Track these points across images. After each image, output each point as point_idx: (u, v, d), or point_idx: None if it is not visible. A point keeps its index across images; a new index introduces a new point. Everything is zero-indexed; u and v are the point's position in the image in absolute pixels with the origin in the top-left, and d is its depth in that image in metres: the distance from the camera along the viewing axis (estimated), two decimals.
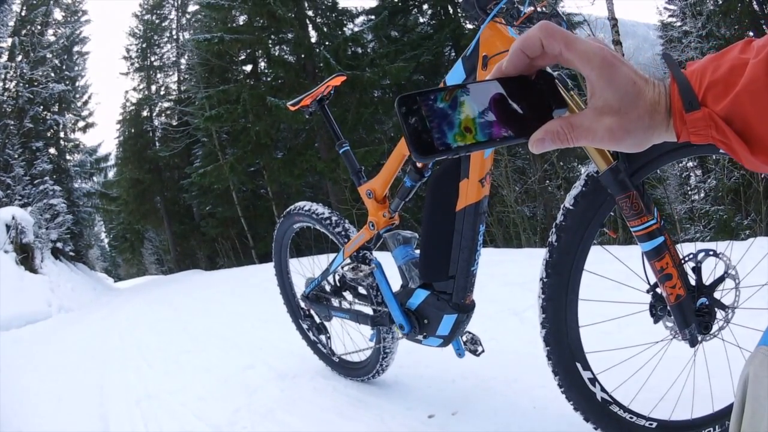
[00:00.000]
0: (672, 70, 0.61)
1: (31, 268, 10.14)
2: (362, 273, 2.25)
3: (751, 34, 15.69)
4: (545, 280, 1.72)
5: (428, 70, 16.59)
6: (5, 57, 16.76)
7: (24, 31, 17.81)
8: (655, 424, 1.74)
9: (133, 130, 25.26)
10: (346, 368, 2.95)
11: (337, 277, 2.65)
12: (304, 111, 2.61)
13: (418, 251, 2.16)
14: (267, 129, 15.80)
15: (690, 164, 13.05)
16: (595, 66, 0.59)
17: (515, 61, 0.61)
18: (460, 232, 1.86)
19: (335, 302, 2.70)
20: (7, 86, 17.00)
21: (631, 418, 1.75)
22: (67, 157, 20.51)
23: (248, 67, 18.89)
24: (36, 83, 17.50)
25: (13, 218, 10.29)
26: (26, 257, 10.11)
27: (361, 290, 2.60)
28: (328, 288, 2.72)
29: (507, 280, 4.08)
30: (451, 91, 0.58)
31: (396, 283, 2.28)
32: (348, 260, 2.40)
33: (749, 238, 1.91)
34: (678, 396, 1.79)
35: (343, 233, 2.55)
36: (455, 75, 1.78)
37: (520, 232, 10.35)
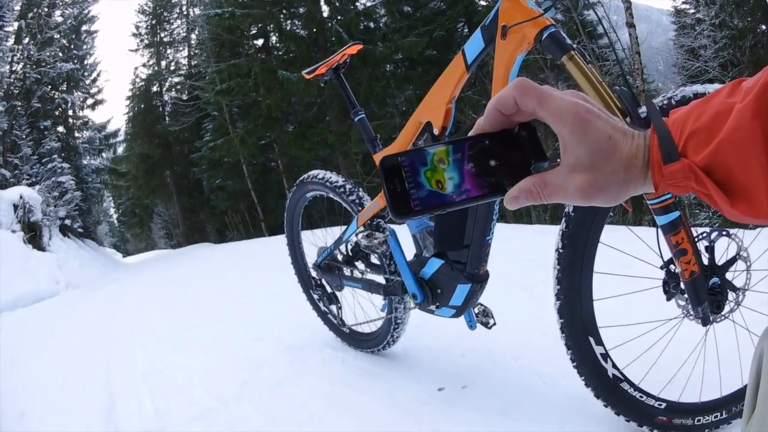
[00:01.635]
0: (653, 120, 0.60)
1: (39, 246, 10.19)
2: (377, 240, 2.24)
3: (763, 27, 15.58)
4: (561, 251, 1.70)
5: (441, 45, 16.43)
6: (12, 40, 16.66)
7: (31, 14, 17.71)
8: (664, 405, 1.74)
9: (142, 106, 25.19)
10: (356, 339, 2.96)
11: (349, 246, 2.64)
12: (319, 80, 2.59)
13: (432, 222, 2.14)
14: (278, 102, 15.77)
15: None
16: (566, 123, 0.58)
17: (491, 120, 0.61)
18: None
19: (347, 272, 2.69)
20: (14, 69, 16.93)
21: (640, 397, 1.74)
22: (76, 134, 20.51)
23: (259, 42, 18.80)
24: (44, 64, 17.44)
25: (21, 197, 10.32)
26: (34, 236, 10.14)
27: (374, 260, 2.59)
28: (340, 257, 2.71)
29: (517, 256, 4.07)
30: (432, 150, 0.59)
31: (409, 252, 2.28)
32: (362, 228, 2.39)
33: (757, 228, 1.89)
34: (687, 378, 1.79)
35: (357, 201, 2.53)
36: (474, 44, 1.77)
37: (531, 209, 10.33)
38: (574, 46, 1.50)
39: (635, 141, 0.59)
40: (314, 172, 2.78)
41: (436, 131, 1.92)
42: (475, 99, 11.66)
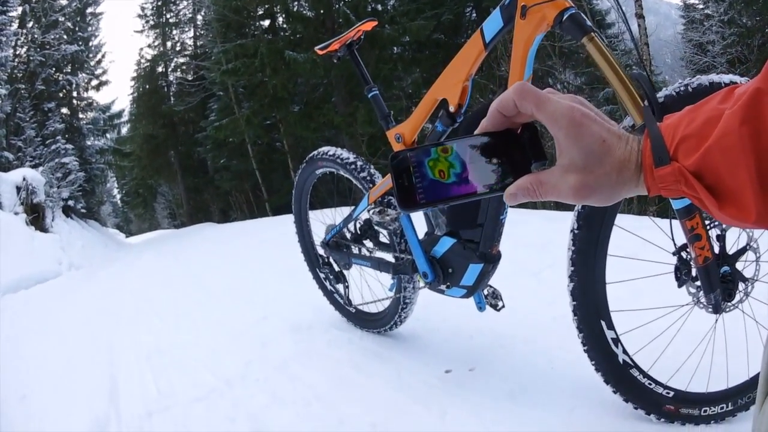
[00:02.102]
0: (648, 125, 0.62)
1: (42, 227, 10.17)
2: (389, 217, 2.22)
3: None
4: (576, 231, 1.69)
5: (448, 29, 16.38)
6: (15, 25, 16.51)
7: None
8: (672, 393, 1.74)
9: (147, 86, 25.03)
10: (362, 319, 2.94)
11: (358, 225, 2.62)
12: (332, 56, 2.55)
13: None
14: (284, 83, 15.71)
15: None
16: (562, 126, 0.60)
17: (494, 121, 0.65)
18: None
19: (355, 250, 2.68)
20: (18, 52, 16.80)
21: (649, 384, 1.75)
22: (80, 115, 20.37)
23: (266, 22, 18.69)
24: (48, 46, 17.31)
25: (24, 179, 10.28)
26: (37, 217, 10.13)
27: (383, 238, 2.58)
28: (348, 235, 2.69)
29: (524, 241, 4.05)
30: (438, 147, 0.63)
31: (420, 230, 2.26)
32: (373, 205, 2.36)
33: None
34: (695, 368, 1.78)
35: (368, 178, 2.50)
36: (493, 23, 1.74)
37: None
38: (594, 28, 1.49)
39: (629, 145, 0.62)
40: (325, 148, 2.75)
41: (451, 108, 1.89)
42: (482, 83, 11.59)
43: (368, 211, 2.39)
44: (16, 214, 9.57)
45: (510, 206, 0.55)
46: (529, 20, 1.58)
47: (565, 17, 1.49)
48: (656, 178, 0.59)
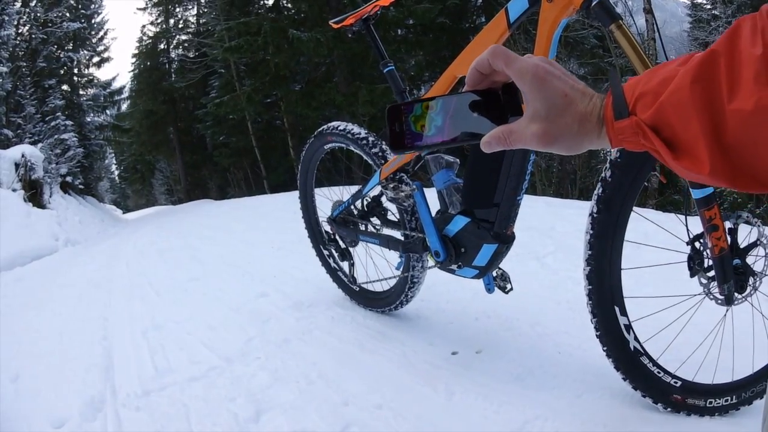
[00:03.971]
0: (611, 83, 0.67)
1: (39, 203, 10.12)
2: (403, 193, 2.19)
3: None
4: (595, 215, 1.68)
5: (453, 13, 16.26)
6: (19, 3, 16.33)
7: None
8: (679, 383, 1.74)
9: (148, 63, 24.93)
10: (366, 298, 2.91)
11: (366, 201, 2.60)
12: (347, 30, 2.51)
13: (459, 178, 2.09)
14: (286, 61, 15.64)
15: None
16: (527, 81, 0.68)
17: (473, 79, 0.73)
18: (511, 159, 1.79)
19: (362, 227, 2.65)
20: (20, 31, 16.62)
21: (658, 372, 1.75)
22: (80, 92, 20.23)
23: (270, 1, 18.58)
24: (50, 24, 17.13)
25: (23, 156, 10.23)
26: (35, 193, 10.08)
27: (391, 216, 2.55)
28: (356, 212, 2.66)
29: (527, 225, 4.03)
30: (427, 101, 0.74)
31: (433, 209, 2.22)
32: (385, 182, 2.33)
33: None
34: (702, 359, 1.79)
35: (380, 154, 2.46)
36: (518, 3, 1.70)
37: (536, 181, 10.40)
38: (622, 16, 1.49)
39: (592, 101, 0.68)
40: (335, 123, 2.70)
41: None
42: None
43: (381, 186, 2.36)
44: (14, 190, 9.52)
45: (486, 152, 0.71)
46: (555, 3, 1.57)
47: (594, 3, 1.48)
48: (616, 130, 0.65)
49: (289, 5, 17.93)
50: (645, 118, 0.63)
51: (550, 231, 4.03)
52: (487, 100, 0.73)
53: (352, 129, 2.58)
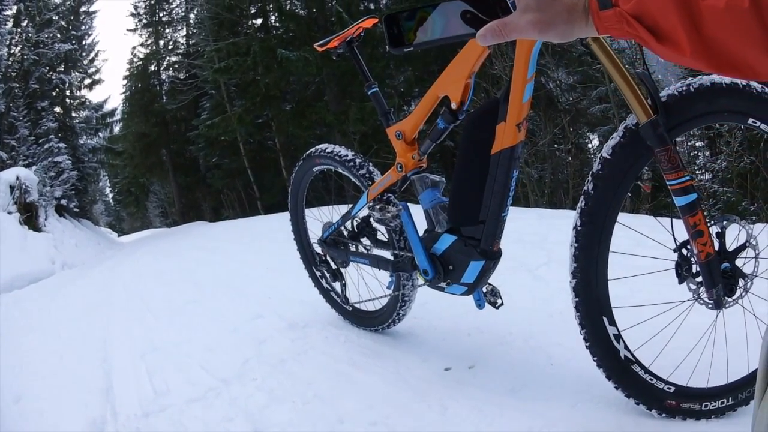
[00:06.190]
0: None
1: (35, 226, 10.12)
2: (390, 214, 2.21)
3: None
4: (579, 228, 1.70)
5: None
6: (10, 24, 16.40)
7: None
8: (673, 389, 1.74)
9: (140, 85, 24.95)
10: (359, 317, 2.93)
11: (356, 222, 2.62)
12: (331, 53, 2.54)
13: (445, 197, 2.12)
14: (276, 81, 15.68)
15: (699, 143, 13.14)
16: None
17: None
18: (494, 176, 1.81)
19: (353, 247, 2.66)
20: (12, 51, 16.66)
21: (651, 380, 1.75)
22: (73, 114, 20.30)
23: (259, 21, 18.64)
24: (42, 45, 17.19)
25: (18, 178, 10.24)
26: (30, 216, 10.08)
27: (380, 236, 2.57)
28: (346, 233, 2.68)
29: (519, 238, 4.04)
30: (423, 9, 0.83)
31: (420, 229, 2.24)
32: (372, 203, 2.35)
33: (756, 223, 1.93)
34: (695, 363, 1.79)
35: (367, 176, 2.49)
36: None
37: (528, 192, 10.39)
38: None
39: None
40: (322, 146, 2.73)
41: (453, 105, 1.89)
42: (475, 82, 11.60)
43: (368, 207, 2.38)
44: (10, 213, 9.52)
45: (482, 45, 1.01)
46: None
47: None
48: (602, 19, 0.72)
49: (278, 24, 18.01)
50: (627, 8, 0.69)
51: (542, 242, 4.04)
52: (481, 2, 0.81)
53: (340, 151, 2.60)
